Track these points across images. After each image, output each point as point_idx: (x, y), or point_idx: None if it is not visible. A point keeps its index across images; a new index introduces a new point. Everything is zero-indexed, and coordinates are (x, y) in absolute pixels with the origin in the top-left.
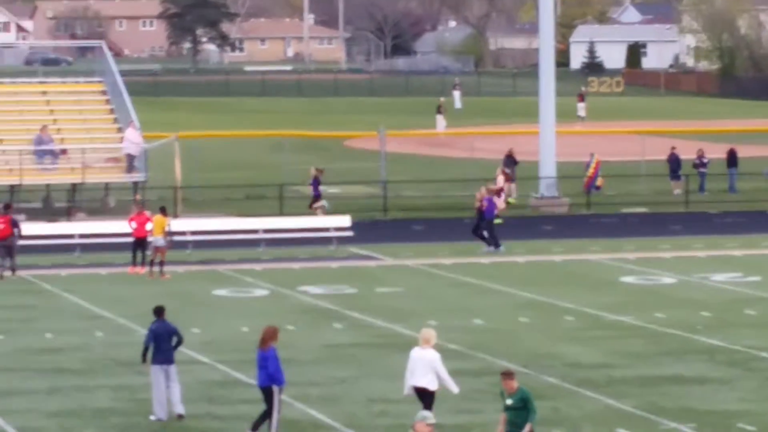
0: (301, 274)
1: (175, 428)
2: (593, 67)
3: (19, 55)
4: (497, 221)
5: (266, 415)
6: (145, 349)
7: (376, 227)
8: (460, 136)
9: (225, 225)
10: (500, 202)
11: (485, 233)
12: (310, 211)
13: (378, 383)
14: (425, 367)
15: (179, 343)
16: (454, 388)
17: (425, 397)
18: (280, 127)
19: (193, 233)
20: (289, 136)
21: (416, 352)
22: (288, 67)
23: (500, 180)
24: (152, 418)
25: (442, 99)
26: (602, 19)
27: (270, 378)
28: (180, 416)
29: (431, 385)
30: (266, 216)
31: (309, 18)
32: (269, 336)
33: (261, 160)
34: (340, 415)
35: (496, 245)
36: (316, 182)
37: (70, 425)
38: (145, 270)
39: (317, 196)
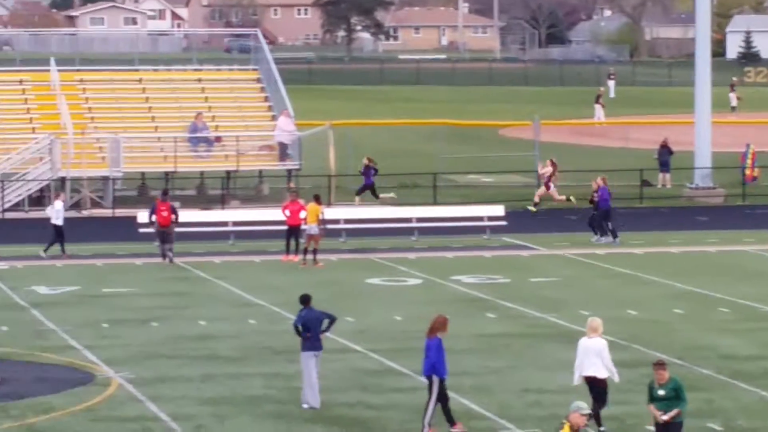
0: (454, 263)
1: (327, 416)
2: (750, 57)
3: (175, 42)
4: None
5: (446, 405)
6: (296, 327)
7: (529, 217)
8: (614, 125)
9: (378, 213)
10: (549, 191)
11: (609, 224)
12: (355, 201)
13: (531, 373)
14: (594, 356)
15: (332, 323)
16: (616, 377)
17: (596, 385)
18: (434, 115)
19: (347, 221)
20: (443, 124)
21: (584, 342)
22: (442, 56)
23: (549, 170)
24: (305, 406)
25: (601, 89)
26: (759, 8)
27: (431, 368)
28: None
29: (600, 373)
30: (420, 205)
31: (463, 7)
32: (437, 326)
33: (415, 148)
34: (493, 405)
35: (604, 234)
36: (368, 172)
37: (223, 412)
38: (298, 258)
39: (368, 185)
